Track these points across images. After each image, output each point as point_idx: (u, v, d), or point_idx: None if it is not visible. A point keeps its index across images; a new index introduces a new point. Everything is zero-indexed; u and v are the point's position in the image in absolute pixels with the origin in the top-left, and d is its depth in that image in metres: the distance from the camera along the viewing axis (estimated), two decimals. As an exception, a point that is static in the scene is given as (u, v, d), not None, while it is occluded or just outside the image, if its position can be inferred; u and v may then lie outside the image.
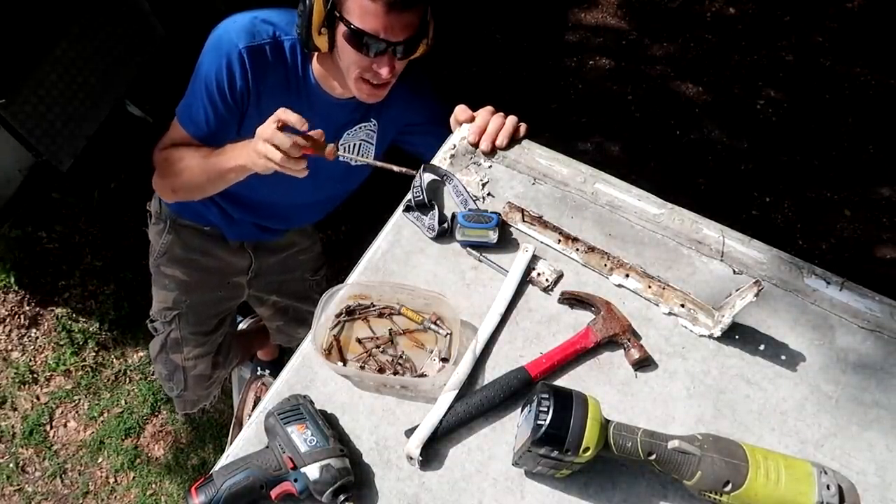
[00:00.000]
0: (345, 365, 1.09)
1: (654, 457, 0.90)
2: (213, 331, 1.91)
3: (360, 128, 1.47)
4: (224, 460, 1.00)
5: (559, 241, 1.18)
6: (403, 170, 1.25)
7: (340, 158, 1.25)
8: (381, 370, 1.08)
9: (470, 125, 1.31)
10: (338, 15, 1.20)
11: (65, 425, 2.51)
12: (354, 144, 1.49)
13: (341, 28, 1.21)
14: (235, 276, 1.84)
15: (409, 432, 1.01)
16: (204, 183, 1.38)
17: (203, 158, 1.34)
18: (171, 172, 1.41)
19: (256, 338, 2.40)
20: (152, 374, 2.59)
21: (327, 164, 1.28)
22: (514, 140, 1.30)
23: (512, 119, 1.31)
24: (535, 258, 1.16)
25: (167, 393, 2.15)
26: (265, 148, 1.17)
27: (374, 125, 1.48)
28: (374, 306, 1.14)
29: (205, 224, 1.69)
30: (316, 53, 1.32)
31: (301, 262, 1.95)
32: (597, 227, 1.20)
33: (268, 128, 1.17)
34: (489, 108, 1.33)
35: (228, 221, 1.65)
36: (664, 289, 1.13)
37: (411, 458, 0.99)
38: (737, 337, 1.09)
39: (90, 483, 2.41)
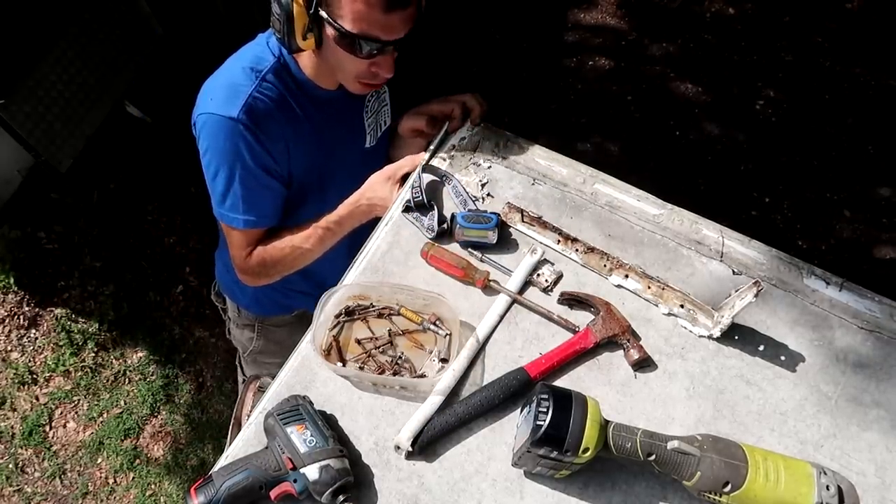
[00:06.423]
0: (344, 365, 1.09)
1: (653, 457, 0.90)
2: None
3: (372, 100, 1.39)
4: (223, 461, 1.00)
5: (558, 241, 1.18)
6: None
7: None
8: (380, 371, 1.08)
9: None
10: (325, 17, 1.07)
11: (64, 426, 2.51)
12: (379, 122, 1.43)
13: (330, 30, 1.09)
14: None
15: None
16: (316, 251, 1.33)
17: (313, 240, 1.31)
18: (277, 265, 1.35)
19: None
20: (151, 375, 2.59)
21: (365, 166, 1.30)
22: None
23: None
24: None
25: None
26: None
27: (384, 87, 1.38)
28: (373, 307, 1.13)
29: (289, 312, 1.65)
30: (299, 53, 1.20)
31: None
32: (596, 228, 1.20)
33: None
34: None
35: (306, 296, 1.59)
36: (664, 289, 1.12)
37: (398, 448, 0.99)
38: (736, 337, 1.09)
39: (89, 484, 2.40)
